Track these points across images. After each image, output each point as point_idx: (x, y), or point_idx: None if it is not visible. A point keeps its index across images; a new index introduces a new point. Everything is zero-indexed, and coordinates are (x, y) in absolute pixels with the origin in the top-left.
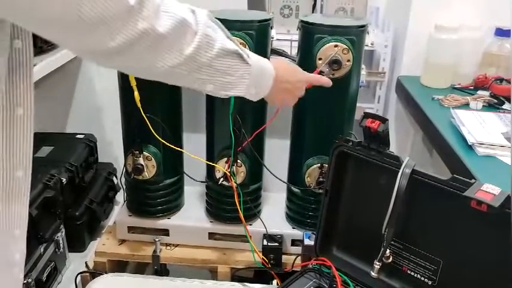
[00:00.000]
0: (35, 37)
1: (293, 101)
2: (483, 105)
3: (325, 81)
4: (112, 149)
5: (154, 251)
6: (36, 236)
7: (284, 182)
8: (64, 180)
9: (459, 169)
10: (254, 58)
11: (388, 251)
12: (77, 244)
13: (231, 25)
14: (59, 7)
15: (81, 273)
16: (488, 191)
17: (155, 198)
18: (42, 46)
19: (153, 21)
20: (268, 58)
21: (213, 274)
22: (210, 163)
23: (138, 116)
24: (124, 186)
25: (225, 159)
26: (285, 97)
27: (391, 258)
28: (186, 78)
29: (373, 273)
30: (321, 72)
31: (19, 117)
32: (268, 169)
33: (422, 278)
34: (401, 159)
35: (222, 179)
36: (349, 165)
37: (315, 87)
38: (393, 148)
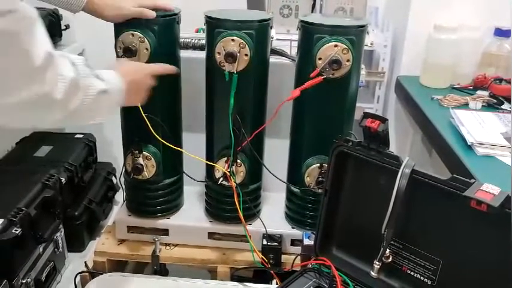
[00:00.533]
0: None
1: (142, 98)
2: (482, 105)
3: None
4: (111, 148)
5: (154, 251)
6: (35, 235)
7: (284, 181)
8: (63, 180)
9: (459, 169)
10: (110, 81)
11: (387, 250)
12: (76, 244)
13: (230, 25)
14: None
15: (80, 273)
16: (488, 190)
17: (155, 198)
18: None
19: (49, 87)
20: (268, 59)
21: (213, 274)
22: (210, 163)
23: (138, 116)
24: (123, 186)
25: (225, 159)
26: (134, 97)
27: (390, 258)
28: (63, 124)
29: (372, 273)
30: (320, 72)
31: None
32: (267, 169)
33: (422, 278)
34: (401, 159)
35: (221, 179)
36: (348, 165)
37: (314, 88)
38: (393, 148)
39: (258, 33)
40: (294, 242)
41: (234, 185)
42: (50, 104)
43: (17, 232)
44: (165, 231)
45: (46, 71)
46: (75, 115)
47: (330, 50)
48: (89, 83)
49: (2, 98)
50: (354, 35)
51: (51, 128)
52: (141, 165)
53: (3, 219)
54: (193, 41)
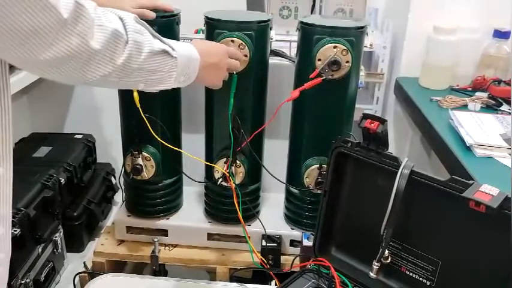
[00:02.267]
0: None
1: (221, 77)
2: (481, 107)
3: (239, 55)
4: (111, 149)
5: (153, 251)
6: (34, 236)
7: (283, 182)
8: (62, 180)
9: (457, 170)
10: (179, 49)
11: (386, 251)
12: (75, 244)
13: (230, 26)
14: None
15: (79, 273)
16: (487, 192)
17: (154, 198)
18: None
19: (87, 37)
20: (267, 60)
21: (212, 275)
22: (209, 163)
23: (137, 116)
24: (123, 187)
25: (224, 159)
26: (212, 75)
27: (389, 259)
28: (117, 84)
29: (371, 274)
30: (320, 73)
31: None
32: (267, 170)
33: (421, 279)
34: (400, 160)
35: (221, 180)
36: (348, 166)
37: (313, 89)
38: (391, 149)
39: (258, 34)
40: (293, 243)
41: (233, 185)
42: (90, 56)
43: (16, 232)
44: (164, 232)
45: (77, 22)
46: (131, 73)
47: (329, 51)
48: (140, 39)
49: (40, 55)
50: (353, 36)
51: (110, 87)
52: (141, 165)
53: None
54: None
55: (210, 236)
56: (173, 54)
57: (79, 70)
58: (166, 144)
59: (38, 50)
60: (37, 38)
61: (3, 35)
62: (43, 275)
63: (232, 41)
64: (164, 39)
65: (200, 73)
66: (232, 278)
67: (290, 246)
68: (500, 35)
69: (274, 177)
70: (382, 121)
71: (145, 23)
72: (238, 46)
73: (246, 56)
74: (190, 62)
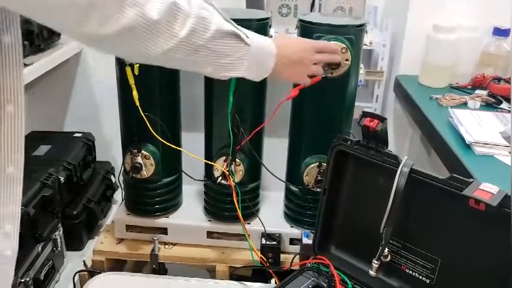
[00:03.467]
0: (33, 36)
1: (305, 74)
2: (481, 105)
3: (334, 48)
4: (110, 147)
5: (153, 250)
6: (33, 234)
7: (283, 181)
8: (62, 179)
9: (457, 168)
10: (254, 38)
11: (386, 249)
12: (74, 243)
13: None
14: None
15: (79, 272)
16: (487, 190)
17: (153, 196)
18: (40, 45)
19: (143, 7)
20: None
21: (212, 273)
22: (209, 162)
23: (137, 115)
24: (122, 185)
25: (224, 158)
26: (294, 72)
27: (389, 257)
28: (183, 62)
29: (371, 272)
30: None
31: (9, 114)
32: (266, 168)
33: (421, 277)
34: (399, 158)
35: (220, 178)
36: (347, 164)
37: (313, 87)
38: (391, 147)
39: (257, 32)
40: (292, 241)
41: (233, 184)
42: (149, 27)
43: None
44: (163, 230)
45: None
46: (197, 50)
47: None
48: (206, 15)
49: (101, 29)
50: (352, 34)
51: (179, 66)
52: (140, 164)
53: None
54: None
55: (210, 235)
56: (246, 40)
57: (141, 44)
58: (165, 142)
59: (97, 23)
60: (95, 11)
61: (63, 10)
62: (43, 274)
63: None
64: (238, 26)
65: (279, 68)
66: (232, 276)
67: (290, 244)
68: (500, 33)
69: (274, 176)
70: (382, 119)
71: (216, 6)
72: None
73: None
74: (264, 54)
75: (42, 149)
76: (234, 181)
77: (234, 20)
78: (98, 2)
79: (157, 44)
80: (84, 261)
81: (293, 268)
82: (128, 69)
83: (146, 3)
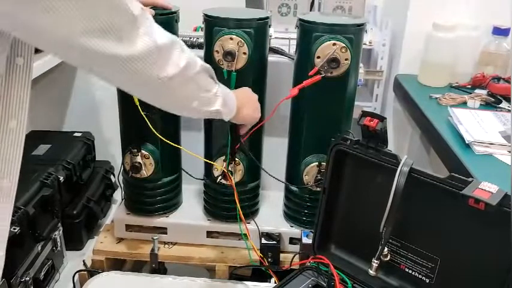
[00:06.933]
0: None
1: (257, 115)
2: (480, 104)
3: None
4: (110, 147)
5: (152, 249)
6: (33, 234)
7: (282, 181)
8: (61, 178)
9: (457, 167)
10: (221, 86)
11: (386, 249)
12: (74, 242)
13: (229, 23)
14: (64, 31)
15: (78, 271)
16: (486, 189)
17: (153, 196)
18: None
19: (153, 35)
20: (266, 57)
21: (211, 272)
22: (208, 161)
23: (136, 114)
24: (122, 185)
25: (223, 157)
26: (250, 111)
27: (389, 256)
28: (175, 93)
29: (371, 271)
30: (319, 71)
31: (11, 129)
32: (264, 169)
33: (420, 276)
34: (399, 157)
35: (220, 178)
36: (347, 164)
37: (312, 87)
38: (391, 147)
39: (257, 32)
40: (292, 241)
41: (232, 183)
42: (159, 53)
43: (16, 231)
44: (163, 230)
45: (145, 20)
46: (188, 82)
47: (328, 48)
48: (191, 53)
49: (117, 50)
50: (352, 33)
51: (169, 95)
52: (140, 163)
53: None
54: (191, 39)
55: (210, 234)
56: (215, 79)
57: (153, 68)
58: (165, 142)
59: (121, 41)
60: (112, 33)
61: (80, 22)
62: (42, 273)
63: (231, 38)
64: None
65: (239, 106)
66: (232, 276)
67: (289, 244)
68: (499, 32)
69: (273, 177)
70: (382, 118)
71: None
72: (237, 44)
73: (245, 53)
74: (228, 93)
75: (42, 149)
76: (233, 180)
77: (234, 19)
78: (117, 24)
79: (165, 68)
80: (83, 260)
81: (293, 267)
82: None
83: (155, 33)
